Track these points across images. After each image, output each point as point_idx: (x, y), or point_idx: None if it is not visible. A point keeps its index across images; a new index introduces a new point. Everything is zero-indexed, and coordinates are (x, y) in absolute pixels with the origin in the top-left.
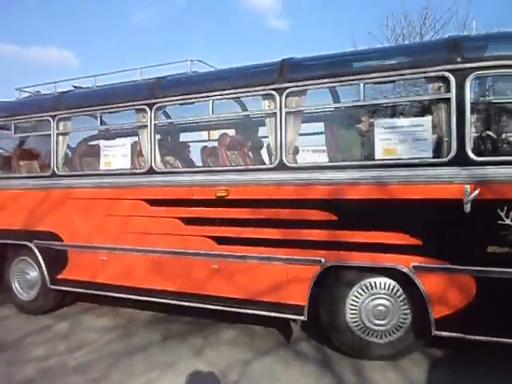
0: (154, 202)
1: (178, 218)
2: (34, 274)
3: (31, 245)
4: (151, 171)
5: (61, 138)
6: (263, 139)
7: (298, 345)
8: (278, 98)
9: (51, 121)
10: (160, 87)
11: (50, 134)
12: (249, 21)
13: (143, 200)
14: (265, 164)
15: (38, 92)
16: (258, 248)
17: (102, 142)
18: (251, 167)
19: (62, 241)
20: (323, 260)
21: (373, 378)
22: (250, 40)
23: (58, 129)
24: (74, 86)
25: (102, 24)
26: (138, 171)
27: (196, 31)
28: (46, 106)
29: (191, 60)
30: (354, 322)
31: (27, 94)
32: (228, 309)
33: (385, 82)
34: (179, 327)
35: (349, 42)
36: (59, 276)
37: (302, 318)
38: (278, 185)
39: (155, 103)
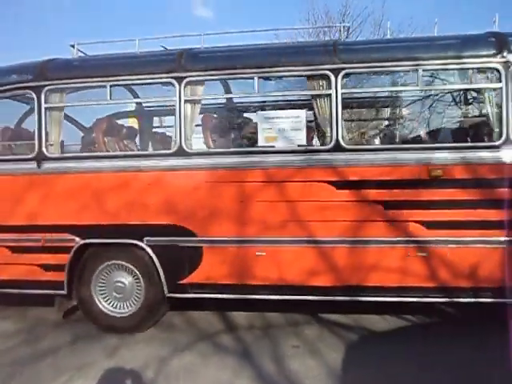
0: (343, 185)
1: (377, 202)
2: (130, 280)
3: (142, 243)
4: (338, 148)
5: (189, 105)
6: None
7: (219, 337)
8: None
9: (176, 84)
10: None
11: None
12: (176, 10)
13: (326, 182)
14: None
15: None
16: (475, 231)
17: (258, 113)
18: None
19: (195, 236)
20: None
21: (292, 366)
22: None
23: (185, 94)
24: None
25: None
26: (319, 148)
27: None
28: (169, 66)
29: None
30: None
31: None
32: (450, 300)
33: (277, 77)
34: (91, 328)
35: (272, 34)
36: (183, 281)
37: None
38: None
39: (342, 69)
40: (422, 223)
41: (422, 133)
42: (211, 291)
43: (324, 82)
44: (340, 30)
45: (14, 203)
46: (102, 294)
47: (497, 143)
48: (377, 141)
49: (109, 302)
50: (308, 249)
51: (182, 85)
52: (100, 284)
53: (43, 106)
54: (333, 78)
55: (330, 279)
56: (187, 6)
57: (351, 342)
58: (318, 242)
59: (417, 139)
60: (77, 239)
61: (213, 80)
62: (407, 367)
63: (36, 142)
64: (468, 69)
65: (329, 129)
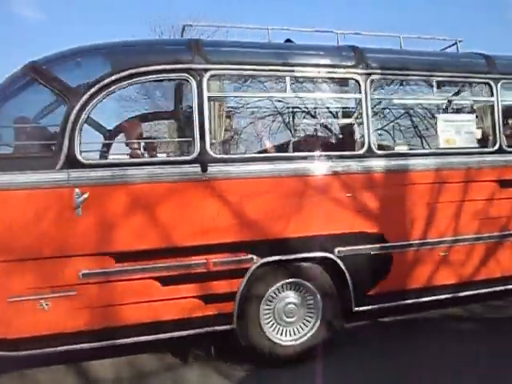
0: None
1: None
2: (299, 301)
3: (332, 255)
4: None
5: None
6: None
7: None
8: None
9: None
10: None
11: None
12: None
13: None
14: None
15: None
16: None
17: (439, 116)
18: None
19: (387, 242)
20: None
21: None
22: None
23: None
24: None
25: None
26: (488, 150)
27: None
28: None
29: None
30: None
31: None
32: None
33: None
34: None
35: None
36: (371, 292)
37: None
38: None
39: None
40: None
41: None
42: (396, 299)
43: (485, 90)
44: None
45: (165, 218)
46: (268, 323)
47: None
48: None
49: (277, 330)
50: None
51: (368, 82)
52: (266, 311)
53: (205, 94)
54: (494, 86)
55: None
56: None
57: None
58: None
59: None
60: (255, 258)
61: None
62: None
63: (196, 139)
64: (331, 78)
65: (492, 133)
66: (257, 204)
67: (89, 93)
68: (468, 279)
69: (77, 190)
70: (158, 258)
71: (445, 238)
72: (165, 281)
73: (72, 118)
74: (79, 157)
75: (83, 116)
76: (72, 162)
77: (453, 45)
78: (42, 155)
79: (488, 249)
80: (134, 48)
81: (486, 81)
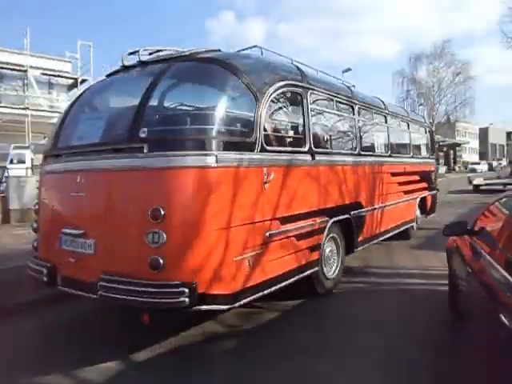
0: None
1: None
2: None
3: (350, 216)
4: None
5: None
6: None
7: None
8: None
9: None
10: None
11: None
12: None
13: None
14: None
15: None
16: None
17: None
18: None
19: (363, 207)
20: None
21: None
22: None
23: None
24: None
25: None
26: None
27: None
28: None
29: None
30: None
31: None
32: None
33: None
34: None
35: None
36: (360, 238)
37: None
38: None
39: None
40: None
41: None
42: (370, 241)
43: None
44: None
45: (299, 192)
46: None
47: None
48: None
49: (327, 269)
50: None
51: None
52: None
53: (309, 106)
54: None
55: None
56: None
57: None
58: None
59: None
60: (329, 219)
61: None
62: None
63: (307, 137)
64: None
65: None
66: (333, 182)
67: (268, 94)
68: (394, 224)
69: (265, 169)
70: (296, 221)
71: (380, 205)
72: (298, 236)
73: (260, 113)
74: (265, 144)
75: (266, 112)
76: (262, 148)
77: None
78: (247, 140)
79: (397, 208)
80: (280, 67)
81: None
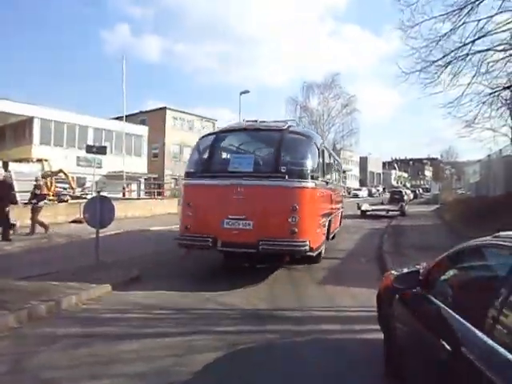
0: None
1: None
2: None
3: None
4: None
5: None
6: None
7: None
8: None
9: None
10: None
11: None
12: None
13: None
14: None
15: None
16: None
17: None
18: None
19: (330, 215)
20: None
21: None
22: None
23: None
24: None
25: None
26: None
27: None
28: None
29: None
30: None
31: None
32: None
33: None
34: None
35: None
36: (329, 234)
37: None
38: None
39: None
40: None
41: None
42: (331, 236)
43: None
44: None
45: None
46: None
47: None
48: None
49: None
50: None
51: None
52: None
53: (325, 156)
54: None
55: None
56: None
57: None
58: None
59: None
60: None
61: None
62: None
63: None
64: None
65: None
66: (330, 197)
67: (321, 151)
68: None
69: (321, 189)
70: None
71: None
72: (325, 223)
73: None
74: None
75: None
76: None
77: None
78: (315, 175)
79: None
80: (318, 135)
81: None
